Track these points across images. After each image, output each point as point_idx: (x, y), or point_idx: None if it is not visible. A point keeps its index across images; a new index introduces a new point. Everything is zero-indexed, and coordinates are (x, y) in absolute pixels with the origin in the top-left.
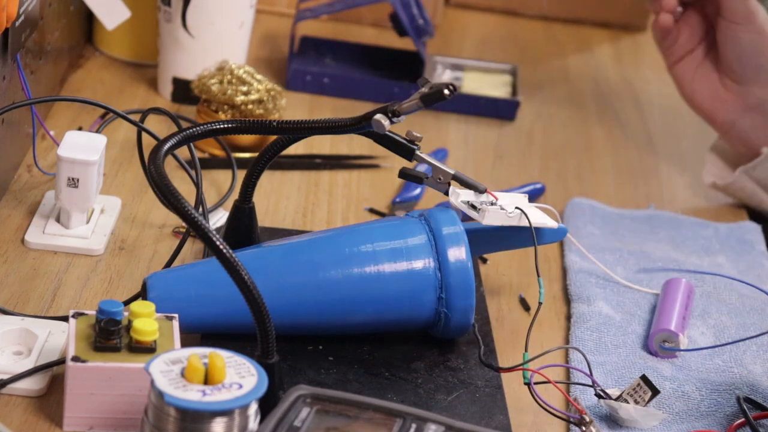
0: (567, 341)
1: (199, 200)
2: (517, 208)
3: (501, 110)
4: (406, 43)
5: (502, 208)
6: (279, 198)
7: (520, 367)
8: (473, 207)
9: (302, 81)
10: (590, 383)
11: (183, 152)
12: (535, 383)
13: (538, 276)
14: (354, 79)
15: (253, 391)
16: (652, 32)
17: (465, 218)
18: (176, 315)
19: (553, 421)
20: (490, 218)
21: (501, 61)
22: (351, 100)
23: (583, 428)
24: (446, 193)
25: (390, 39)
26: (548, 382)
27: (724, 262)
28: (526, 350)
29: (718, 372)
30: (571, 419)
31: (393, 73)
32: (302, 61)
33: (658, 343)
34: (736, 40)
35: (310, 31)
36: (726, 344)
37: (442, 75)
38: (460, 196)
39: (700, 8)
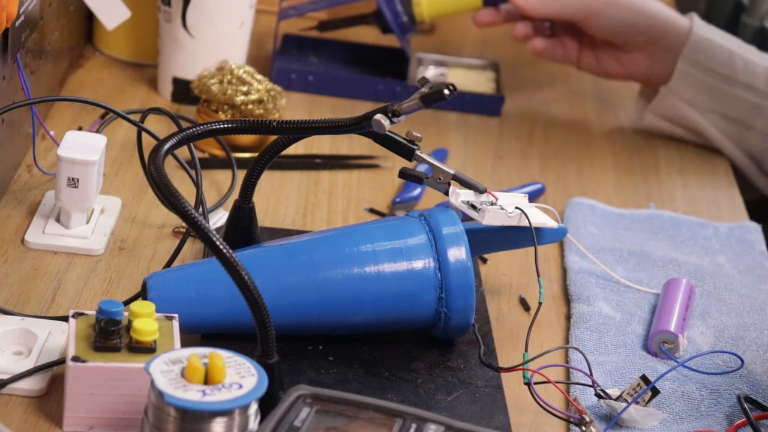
0: (567, 341)
1: (199, 200)
2: (517, 208)
3: (486, 106)
4: (390, 40)
5: (502, 208)
6: (279, 198)
7: (520, 367)
8: (473, 207)
9: (287, 79)
10: (590, 383)
11: (183, 152)
12: (535, 383)
13: (538, 276)
14: (339, 76)
15: (253, 391)
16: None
17: (465, 218)
18: (176, 315)
19: (553, 421)
20: (490, 218)
21: (484, 57)
22: (351, 100)
23: (583, 428)
24: (446, 193)
25: (374, 36)
26: (548, 382)
27: (725, 262)
28: (526, 350)
29: (718, 372)
30: (571, 419)
31: (377, 70)
32: (286, 60)
33: (658, 343)
34: (597, 29)
35: (294, 29)
36: (724, 351)
37: (426, 72)
38: (460, 196)
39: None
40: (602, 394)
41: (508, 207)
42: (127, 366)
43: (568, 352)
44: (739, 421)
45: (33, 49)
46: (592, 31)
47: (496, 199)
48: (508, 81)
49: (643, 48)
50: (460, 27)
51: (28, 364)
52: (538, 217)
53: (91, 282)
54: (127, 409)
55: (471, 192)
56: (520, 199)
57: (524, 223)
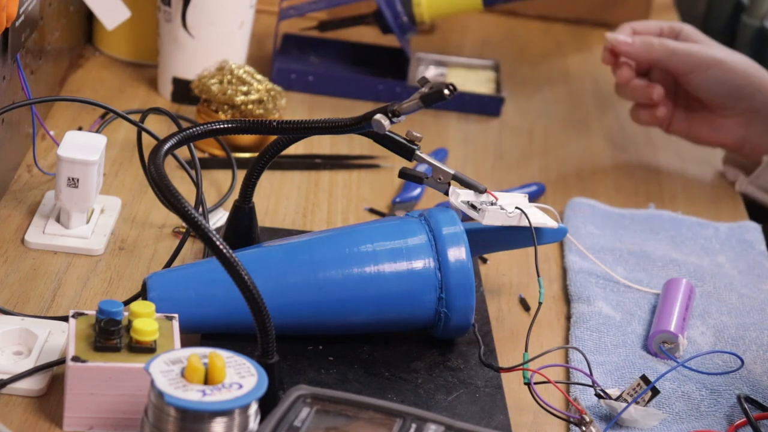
0: (567, 341)
1: (199, 200)
2: (517, 208)
3: (486, 106)
4: (390, 40)
5: (501, 208)
6: (279, 198)
7: (520, 367)
8: (473, 207)
9: (287, 79)
10: (590, 383)
11: (183, 152)
12: (535, 383)
13: (538, 276)
14: (339, 76)
15: (253, 391)
16: (636, 120)
17: (465, 218)
18: (176, 315)
19: (553, 421)
20: (490, 218)
21: (484, 57)
22: (351, 100)
23: (583, 428)
24: (446, 193)
25: (374, 36)
26: (548, 382)
27: (724, 262)
28: (526, 350)
29: (718, 372)
30: (571, 419)
31: (377, 71)
32: (286, 60)
33: (658, 343)
34: (700, 86)
35: (294, 29)
36: (724, 351)
37: (426, 72)
38: (460, 196)
39: (656, 74)
40: (602, 394)
41: (508, 207)
42: (127, 366)
43: (568, 352)
44: (739, 421)
45: (33, 49)
46: (694, 88)
47: (496, 199)
48: (508, 81)
49: (742, 114)
50: (460, 27)
51: (28, 364)
52: (538, 217)
53: (91, 282)
54: (127, 409)
55: (471, 192)
56: (520, 199)
57: (524, 223)
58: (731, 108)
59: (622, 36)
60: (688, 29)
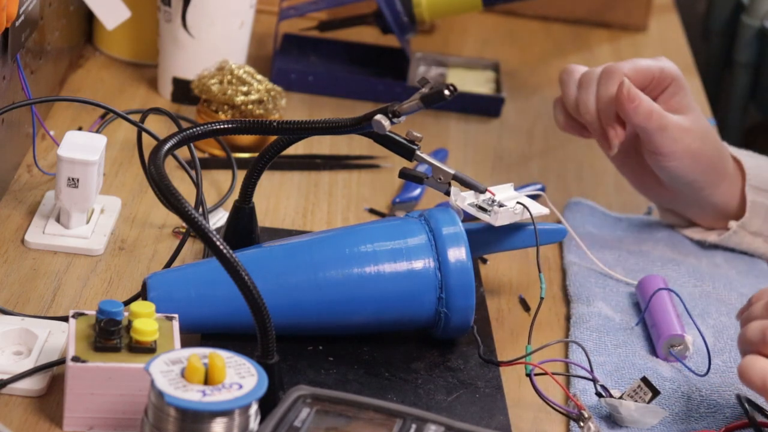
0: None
1: (199, 200)
2: (518, 203)
3: (486, 106)
4: (390, 40)
5: (501, 205)
6: (279, 198)
7: (521, 359)
8: (482, 209)
9: (287, 79)
10: (590, 378)
11: (183, 152)
12: (536, 375)
13: (539, 271)
14: (339, 76)
15: (253, 392)
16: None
17: (466, 218)
18: (176, 315)
19: (552, 420)
20: (502, 219)
21: (484, 57)
22: (351, 100)
23: (581, 424)
24: (447, 193)
25: (374, 36)
26: (547, 374)
27: (722, 263)
28: (529, 343)
29: (718, 372)
30: (570, 415)
31: (377, 71)
32: (286, 60)
33: (667, 348)
34: (663, 170)
35: (294, 29)
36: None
37: (426, 72)
38: (465, 199)
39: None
40: (602, 392)
41: (508, 203)
42: (127, 366)
43: (568, 351)
44: (735, 423)
45: (33, 49)
46: (657, 168)
47: (494, 195)
48: (508, 81)
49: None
50: (460, 27)
51: (28, 364)
52: (534, 207)
53: (91, 282)
54: (127, 409)
55: (471, 192)
56: (510, 191)
57: (527, 216)
58: (675, 188)
59: (635, 89)
60: (678, 83)
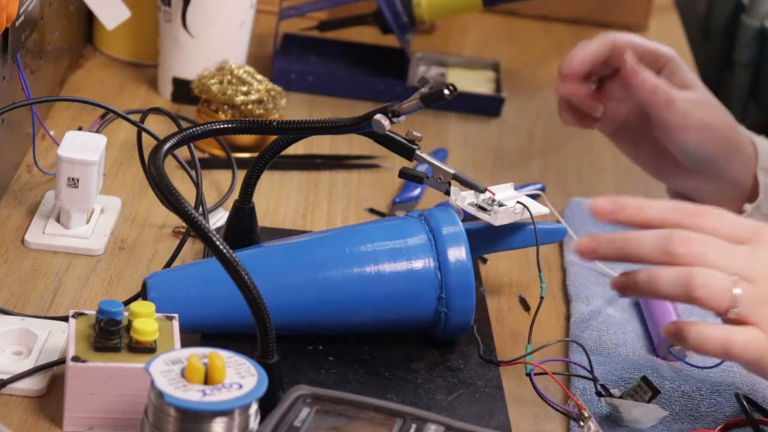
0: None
1: (199, 200)
2: (518, 202)
3: (486, 106)
4: (390, 40)
5: (501, 204)
6: (279, 198)
7: (521, 359)
8: (482, 209)
9: (287, 79)
10: (590, 377)
11: (183, 152)
12: (536, 374)
13: (539, 271)
14: (339, 76)
15: (253, 391)
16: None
17: (465, 218)
18: (176, 315)
19: (552, 419)
20: (502, 218)
21: (484, 57)
22: (351, 100)
23: (581, 423)
24: (447, 193)
25: (374, 36)
26: (547, 373)
27: None
28: (529, 342)
29: (718, 372)
30: (570, 414)
31: (377, 71)
32: (286, 60)
33: (667, 348)
34: (678, 146)
35: (294, 29)
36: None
37: (426, 72)
38: (465, 199)
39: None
40: (602, 392)
41: (508, 202)
42: (127, 366)
43: (568, 351)
44: (733, 419)
45: (33, 49)
46: (670, 145)
47: (494, 194)
48: (508, 81)
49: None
50: (460, 27)
51: (28, 364)
52: (534, 207)
53: (91, 282)
54: (127, 409)
55: (471, 192)
56: (510, 190)
57: (527, 216)
58: (687, 165)
59: (640, 65)
60: (675, 63)
